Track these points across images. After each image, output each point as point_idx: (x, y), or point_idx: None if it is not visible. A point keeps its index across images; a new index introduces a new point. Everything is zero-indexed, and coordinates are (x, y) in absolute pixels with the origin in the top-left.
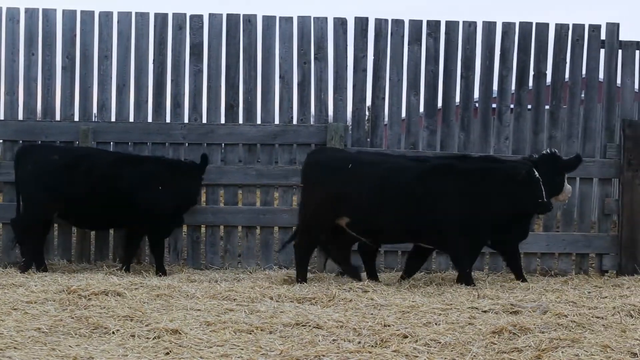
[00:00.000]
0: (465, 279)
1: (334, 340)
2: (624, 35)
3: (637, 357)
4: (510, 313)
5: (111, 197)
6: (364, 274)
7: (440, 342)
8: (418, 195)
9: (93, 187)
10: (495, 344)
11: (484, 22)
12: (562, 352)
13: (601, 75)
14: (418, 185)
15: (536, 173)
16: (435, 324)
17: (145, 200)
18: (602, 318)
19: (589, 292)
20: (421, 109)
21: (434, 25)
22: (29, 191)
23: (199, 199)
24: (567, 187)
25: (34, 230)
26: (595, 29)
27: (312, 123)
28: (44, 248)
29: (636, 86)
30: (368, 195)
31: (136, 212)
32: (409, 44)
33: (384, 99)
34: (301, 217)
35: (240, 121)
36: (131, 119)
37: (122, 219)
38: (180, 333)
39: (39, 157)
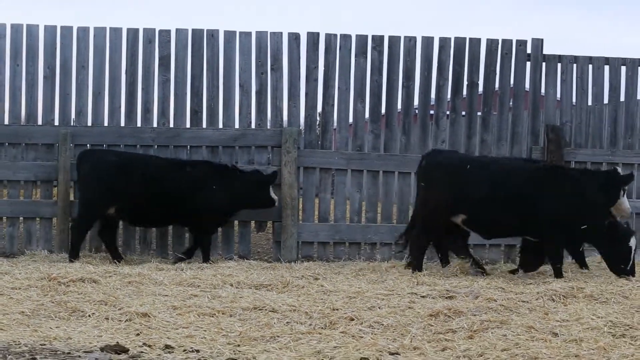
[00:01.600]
0: (558, 273)
1: (287, 322)
2: (547, 50)
3: (558, 336)
4: (446, 298)
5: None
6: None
7: (383, 324)
8: (527, 194)
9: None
10: (432, 325)
11: (422, 37)
12: (492, 333)
13: (527, 85)
14: (528, 185)
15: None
16: (379, 308)
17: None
18: (528, 302)
19: (518, 277)
20: (366, 115)
21: (378, 40)
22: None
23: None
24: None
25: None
26: (522, 43)
27: (268, 127)
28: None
29: (558, 95)
30: (484, 194)
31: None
32: (355, 57)
33: (333, 105)
34: (420, 215)
35: (204, 125)
36: (106, 124)
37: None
38: (149, 316)
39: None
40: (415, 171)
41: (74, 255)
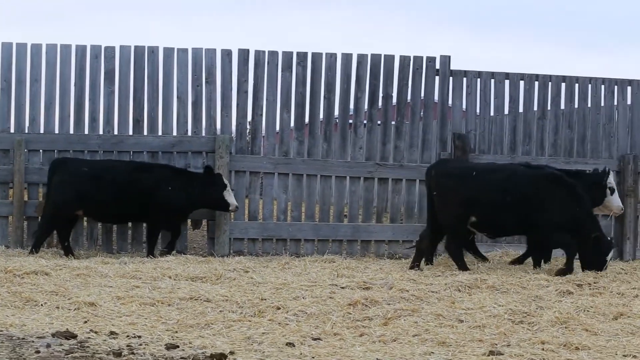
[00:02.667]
0: (568, 269)
1: (220, 311)
2: (454, 65)
3: (464, 323)
4: (363, 289)
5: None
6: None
7: (306, 313)
8: (530, 198)
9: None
10: (351, 313)
11: (342, 53)
12: (405, 320)
13: (436, 97)
14: (531, 190)
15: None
16: (303, 298)
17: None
18: (436, 292)
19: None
20: (292, 124)
21: (302, 56)
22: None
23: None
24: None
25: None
26: (431, 60)
27: (203, 135)
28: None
29: (463, 106)
30: (492, 198)
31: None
32: (282, 71)
33: (261, 115)
34: (443, 220)
35: (145, 133)
36: (56, 131)
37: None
38: (96, 305)
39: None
40: (425, 181)
41: (36, 248)
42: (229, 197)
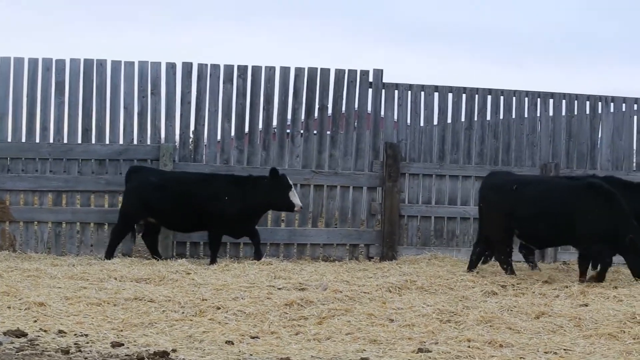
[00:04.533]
0: (601, 277)
1: (163, 311)
2: (386, 78)
3: (394, 322)
4: (299, 290)
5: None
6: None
7: (245, 312)
8: (569, 209)
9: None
10: (287, 313)
11: (281, 66)
12: (338, 319)
13: (369, 108)
14: (569, 202)
15: None
16: (242, 298)
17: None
18: (368, 293)
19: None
20: (232, 133)
21: (242, 69)
22: None
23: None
24: None
25: None
26: (365, 73)
27: (148, 143)
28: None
29: (395, 117)
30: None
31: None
32: (223, 83)
33: (204, 125)
34: (492, 233)
35: (93, 141)
36: (9, 140)
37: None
38: (45, 305)
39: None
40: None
41: (109, 255)
42: (294, 197)
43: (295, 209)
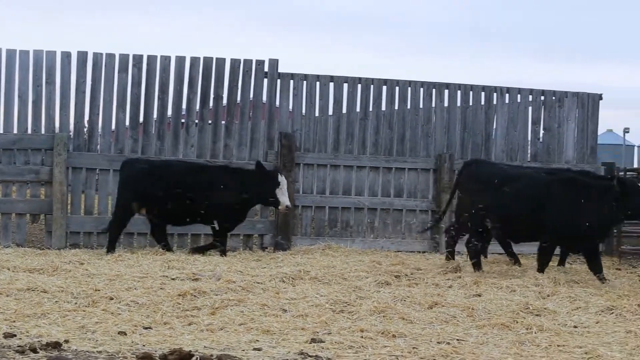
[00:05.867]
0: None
1: (56, 301)
2: (282, 68)
3: (287, 312)
4: (193, 280)
5: None
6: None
7: (138, 303)
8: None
9: None
10: (180, 304)
11: (176, 56)
12: (231, 310)
13: (264, 98)
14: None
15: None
16: (135, 288)
17: None
18: (262, 283)
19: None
20: (127, 123)
21: (138, 58)
22: None
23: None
24: None
25: None
26: (260, 63)
27: (43, 133)
28: None
29: (290, 107)
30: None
31: None
32: (118, 72)
33: (98, 114)
34: (469, 221)
35: None
36: None
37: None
38: None
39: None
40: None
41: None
42: (281, 195)
43: (280, 207)
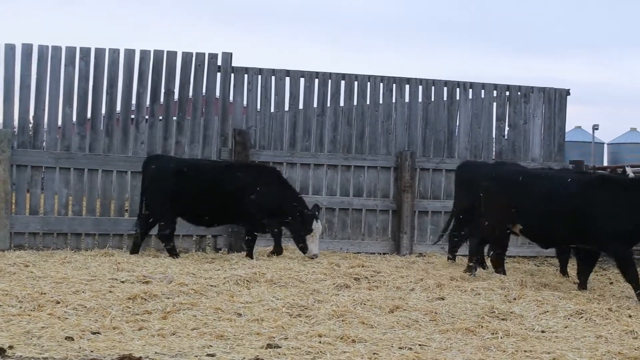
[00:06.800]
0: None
1: (0, 305)
2: (236, 62)
3: (242, 316)
4: (143, 283)
5: None
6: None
7: (86, 307)
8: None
9: None
10: (130, 307)
11: (125, 49)
12: (184, 314)
13: (218, 93)
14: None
15: None
16: (83, 292)
17: None
18: (215, 286)
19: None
20: (74, 118)
21: (85, 51)
22: None
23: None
24: None
25: None
26: (213, 57)
27: None
28: None
29: (245, 102)
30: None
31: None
32: (65, 66)
33: (44, 110)
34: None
35: None
36: None
37: None
38: None
39: None
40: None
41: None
42: (315, 224)
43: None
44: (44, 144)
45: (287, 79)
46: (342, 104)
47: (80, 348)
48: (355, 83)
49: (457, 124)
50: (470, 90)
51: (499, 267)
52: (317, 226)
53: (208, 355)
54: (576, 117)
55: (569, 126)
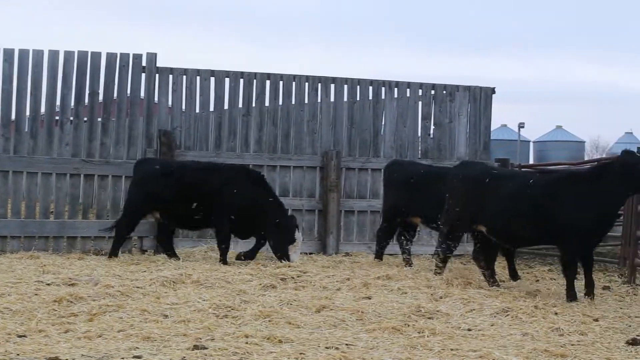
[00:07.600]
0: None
1: None
2: (161, 62)
3: (168, 318)
4: (69, 285)
5: None
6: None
7: (11, 310)
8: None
9: None
10: (56, 310)
11: (49, 50)
12: (110, 316)
13: (142, 94)
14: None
15: None
16: (8, 295)
17: None
18: (142, 288)
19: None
20: None
21: (9, 52)
22: None
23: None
24: None
25: None
26: (137, 57)
27: None
28: None
29: (170, 103)
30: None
31: None
32: None
33: None
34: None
35: None
36: None
37: None
38: None
39: None
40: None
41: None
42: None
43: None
44: None
45: (212, 79)
46: (267, 104)
47: (5, 352)
48: (281, 83)
49: (383, 123)
50: (396, 89)
51: (444, 264)
52: (299, 236)
53: (135, 357)
54: (502, 116)
55: (494, 124)
